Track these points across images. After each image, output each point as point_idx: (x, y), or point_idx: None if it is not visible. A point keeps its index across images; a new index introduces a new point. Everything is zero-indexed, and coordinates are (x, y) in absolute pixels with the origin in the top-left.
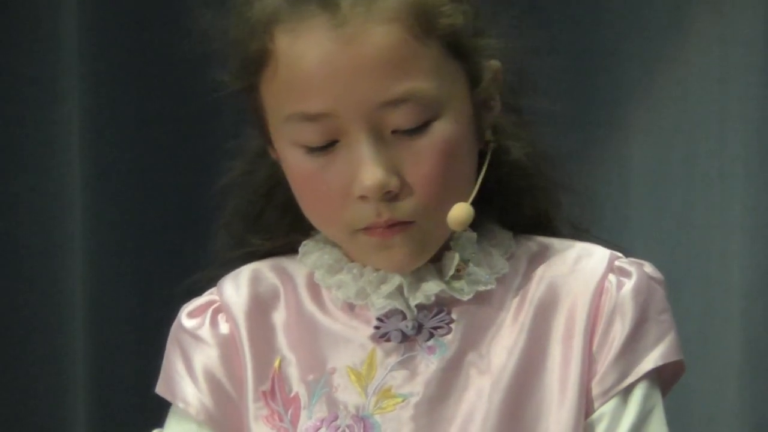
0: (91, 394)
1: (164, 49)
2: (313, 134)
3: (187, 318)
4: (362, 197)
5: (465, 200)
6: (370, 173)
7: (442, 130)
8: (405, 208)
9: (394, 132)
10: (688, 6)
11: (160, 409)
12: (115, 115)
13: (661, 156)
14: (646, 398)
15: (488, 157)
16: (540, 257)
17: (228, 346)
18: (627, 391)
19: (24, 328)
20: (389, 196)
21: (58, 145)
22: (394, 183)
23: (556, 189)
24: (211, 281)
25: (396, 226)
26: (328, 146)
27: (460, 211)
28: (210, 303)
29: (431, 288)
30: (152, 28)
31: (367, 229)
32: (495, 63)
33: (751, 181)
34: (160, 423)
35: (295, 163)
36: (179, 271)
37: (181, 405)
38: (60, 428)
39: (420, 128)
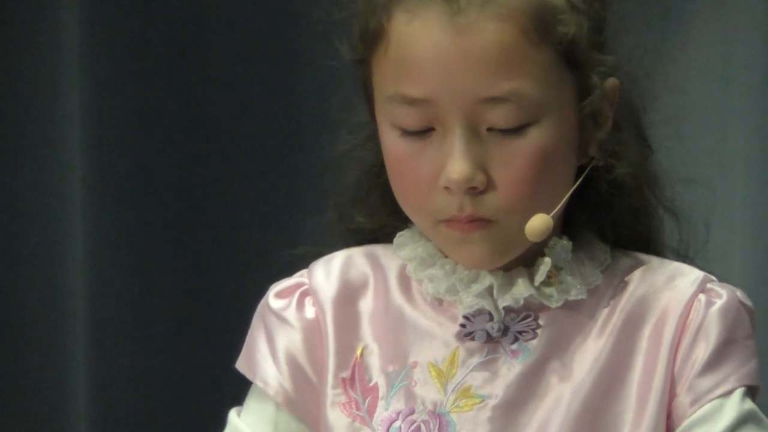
0: (91, 392)
1: (166, 46)
2: (410, 118)
3: (274, 298)
4: (447, 188)
5: (551, 210)
6: (458, 166)
7: (538, 135)
8: (487, 205)
9: (489, 129)
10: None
11: (161, 409)
12: (115, 114)
13: None
14: (743, 402)
15: (585, 172)
16: (634, 272)
17: (312, 331)
18: (708, 411)
19: (24, 327)
20: (474, 192)
21: (59, 142)
22: (479, 179)
23: (659, 213)
24: (310, 255)
25: (476, 222)
26: (423, 132)
27: (539, 222)
28: (298, 285)
29: (521, 292)
30: (154, 26)
31: (449, 222)
32: (613, 80)
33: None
34: (161, 421)
35: (391, 144)
36: (180, 267)
37: (260, 385)
38: (61, 429)
39: (516, 130)
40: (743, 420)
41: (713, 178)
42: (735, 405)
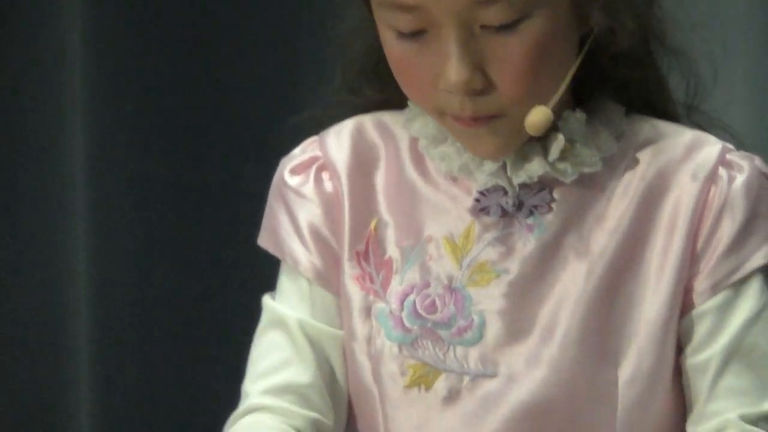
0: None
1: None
2: (402, 22)
3: (290, 175)
4: (447, 90)
5: (554, 95)
6: (455, 70)
7: (532, 28)
8: (488, 103)
9: (483, 27)
10: None
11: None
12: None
13: None
14: (760, 293)
15: (587, 45)
16: (650, 140)
17: (332, 204)
18: (738, 286)
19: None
20: (473, 92)
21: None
22: (478, 80)
23: (665, 64)
24: (314, 123)
25: (480, 119)
26: (417, 34)
27: (538, 116)
28: (314, 159)
29: (535, 169)
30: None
31: (454, 117)
32: None
33: None
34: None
35: (389, 44)
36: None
37: (290, 263)
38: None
39: (510, 26)
40: (759, 313)
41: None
42: (754, 295)
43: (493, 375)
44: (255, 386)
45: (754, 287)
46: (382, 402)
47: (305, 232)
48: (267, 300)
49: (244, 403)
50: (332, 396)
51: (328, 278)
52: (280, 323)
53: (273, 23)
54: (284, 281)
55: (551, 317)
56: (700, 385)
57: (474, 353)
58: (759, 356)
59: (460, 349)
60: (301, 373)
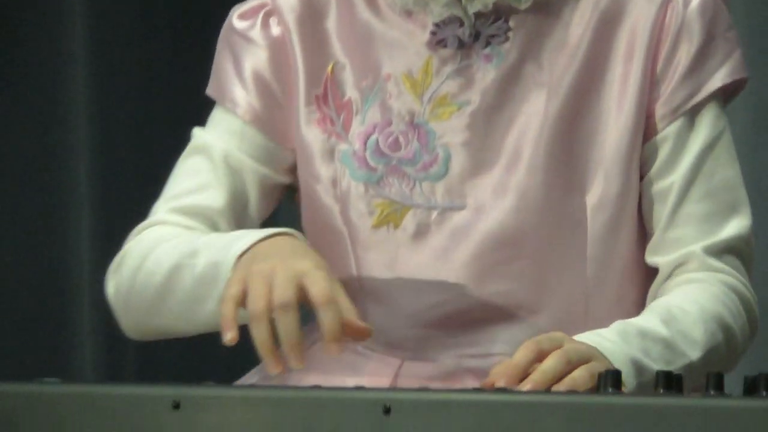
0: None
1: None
2: None
3: (238, 19)
4: None
5: None
6: None
7: None
8: None
9: None
10: None
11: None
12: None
13: None
14: (717, 119)
15: None
16: None
17: (278, 49)
18: (695, 112)
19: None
20: None
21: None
22: None
23: None
24: None
25: None
26: None
27: None
28: (262, 5)
29: None
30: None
31: None
32: None
33: None
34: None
35: None
36: None
37: (228, 105)
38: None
39: None
40: (717, 138)
41: None
42: (712, 119)
43: (461, 207)
44: (165, 205)
45: (711, 112)
46: (353, 244)
47: (247, 75)
48: (196, 129)
49: (150, 219)
50: (240, 228)
51: (267, 122)
52: (204, 150)
53: None
54: (218, 115)
55: (516, 145)
56: (660, 211)
57: (441, 187)
58: (718, 181)
59: (426, 185)
60: (215, 198)
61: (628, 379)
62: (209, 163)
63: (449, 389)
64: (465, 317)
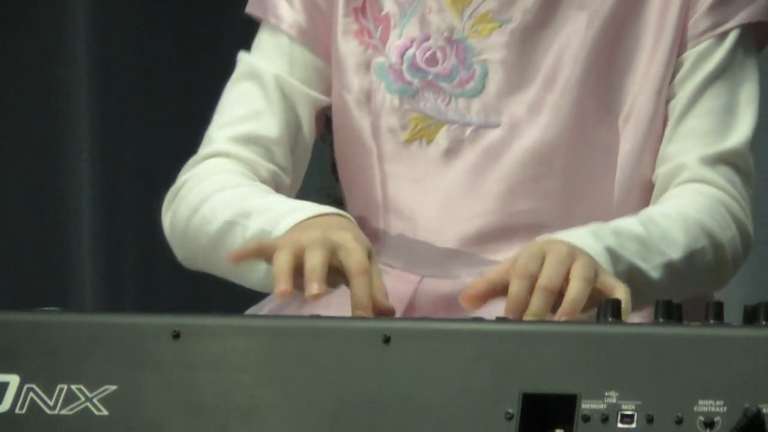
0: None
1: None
2: None
3: None
4: None
5: None
6: None
7: None
8: None
9: None
10: None
11: None
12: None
13: None
14: (738, 51)
15: None
16: None
17: None
18: (719, 39)
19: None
20: None
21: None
22: None
23: None
24: None
25: None
26: None
27: None
28: None
29: None
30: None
31: None
32: None
33: None
34: None
35: None
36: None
37: (273, 21)
38: None
39: None
40: (729, 64)
41: None
42: (731, 48)
43: (495, 125)
44: (221, 133)
45: (731, 42)
46: (380, 158)
47: None
48: (243, 54)
49: (208, 149)
50: (294, 155)
51: (313, 36)
52: (255, 75)
53: None
54: (263, 37)
55: (553, 65)
56: (666, 128)
57: (476, 104)
58: (725, 102)
59: (462, 101)
60: (269, 126)
61: (607, 268)
62: (260, 89)
63: (449, 319)
64: (488, 236)
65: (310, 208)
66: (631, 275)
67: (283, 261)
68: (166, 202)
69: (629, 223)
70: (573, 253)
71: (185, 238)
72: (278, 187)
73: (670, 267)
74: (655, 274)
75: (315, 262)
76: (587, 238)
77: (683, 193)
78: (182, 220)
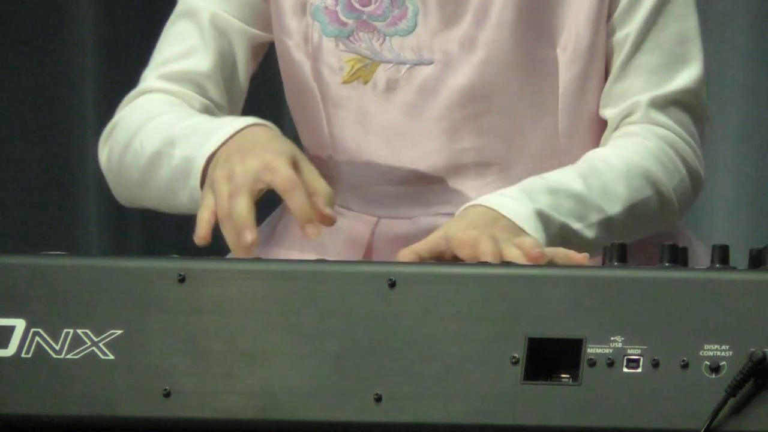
0: None
1: None
2: None
3: None
4: None
5: None
6: None
7: None
8: None
9: None
10: None
11: None
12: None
13: None
14: None
15: None
16: None
17: None
18: None
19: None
20: None
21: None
22: None
23: None
24: None
25: None
26: None
27: None
28: None
29: None
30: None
31: None
32: None
33: None
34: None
35: None
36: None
37: None
38: None
39: None
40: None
41: None
42: None
43: (429, 62)
44: (154, 72)
45: None
46: (324, 101)
47: None
48: None
49: (140, 86)
50: (229, 91)
51: None
52: (191, 13)
53: None
54: None
55: (483, 1)
56: (615, 62)
57: (410, 42)
58: (672, 33)
59: (396, 40)
60: (202, 62)
61: (538, 233)
62: (196, 26)
63: (455, 263)
64: (437, 174)
65: (227, 127)
66: (565, 236)
67: (204, 208)
68: (101, 143)
69: (569, 178)
70: (497, 217)
71: (120, 173)
72: None
73: (607, 223)
74: (589, 233)
75: (240, 209)
76: (515, 202)
77: (632, 136)
78: (116, 157)
